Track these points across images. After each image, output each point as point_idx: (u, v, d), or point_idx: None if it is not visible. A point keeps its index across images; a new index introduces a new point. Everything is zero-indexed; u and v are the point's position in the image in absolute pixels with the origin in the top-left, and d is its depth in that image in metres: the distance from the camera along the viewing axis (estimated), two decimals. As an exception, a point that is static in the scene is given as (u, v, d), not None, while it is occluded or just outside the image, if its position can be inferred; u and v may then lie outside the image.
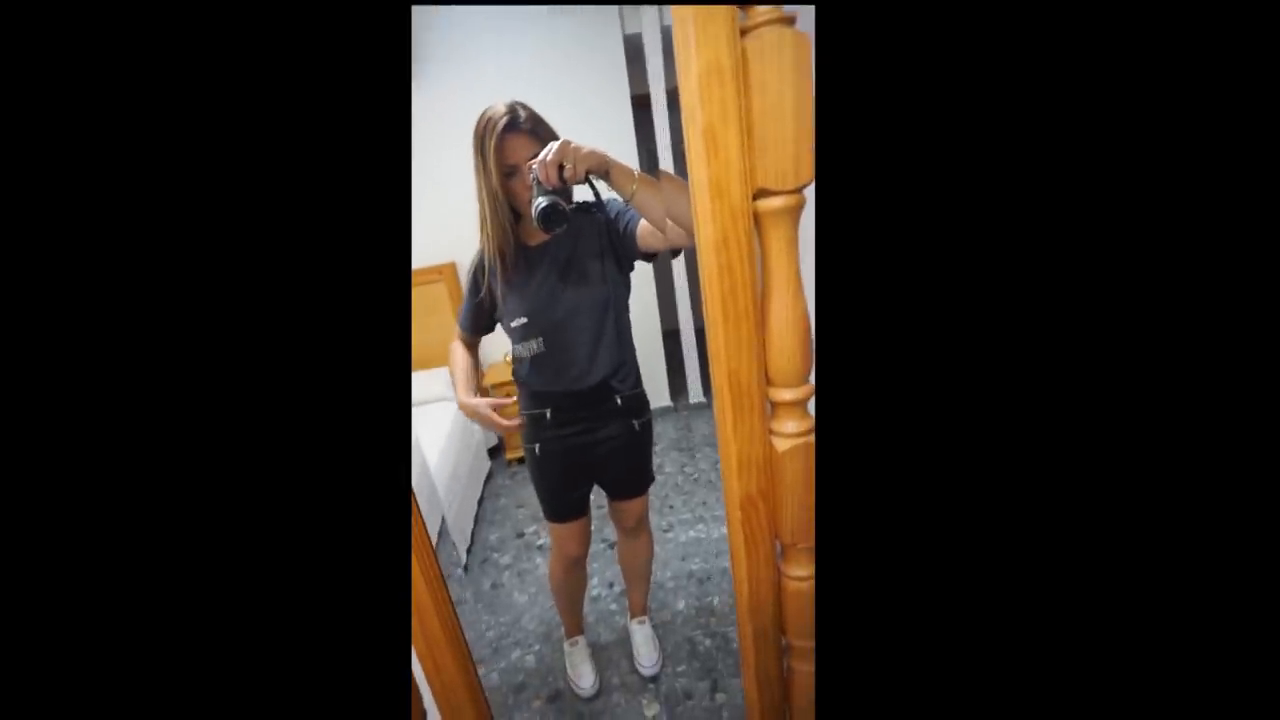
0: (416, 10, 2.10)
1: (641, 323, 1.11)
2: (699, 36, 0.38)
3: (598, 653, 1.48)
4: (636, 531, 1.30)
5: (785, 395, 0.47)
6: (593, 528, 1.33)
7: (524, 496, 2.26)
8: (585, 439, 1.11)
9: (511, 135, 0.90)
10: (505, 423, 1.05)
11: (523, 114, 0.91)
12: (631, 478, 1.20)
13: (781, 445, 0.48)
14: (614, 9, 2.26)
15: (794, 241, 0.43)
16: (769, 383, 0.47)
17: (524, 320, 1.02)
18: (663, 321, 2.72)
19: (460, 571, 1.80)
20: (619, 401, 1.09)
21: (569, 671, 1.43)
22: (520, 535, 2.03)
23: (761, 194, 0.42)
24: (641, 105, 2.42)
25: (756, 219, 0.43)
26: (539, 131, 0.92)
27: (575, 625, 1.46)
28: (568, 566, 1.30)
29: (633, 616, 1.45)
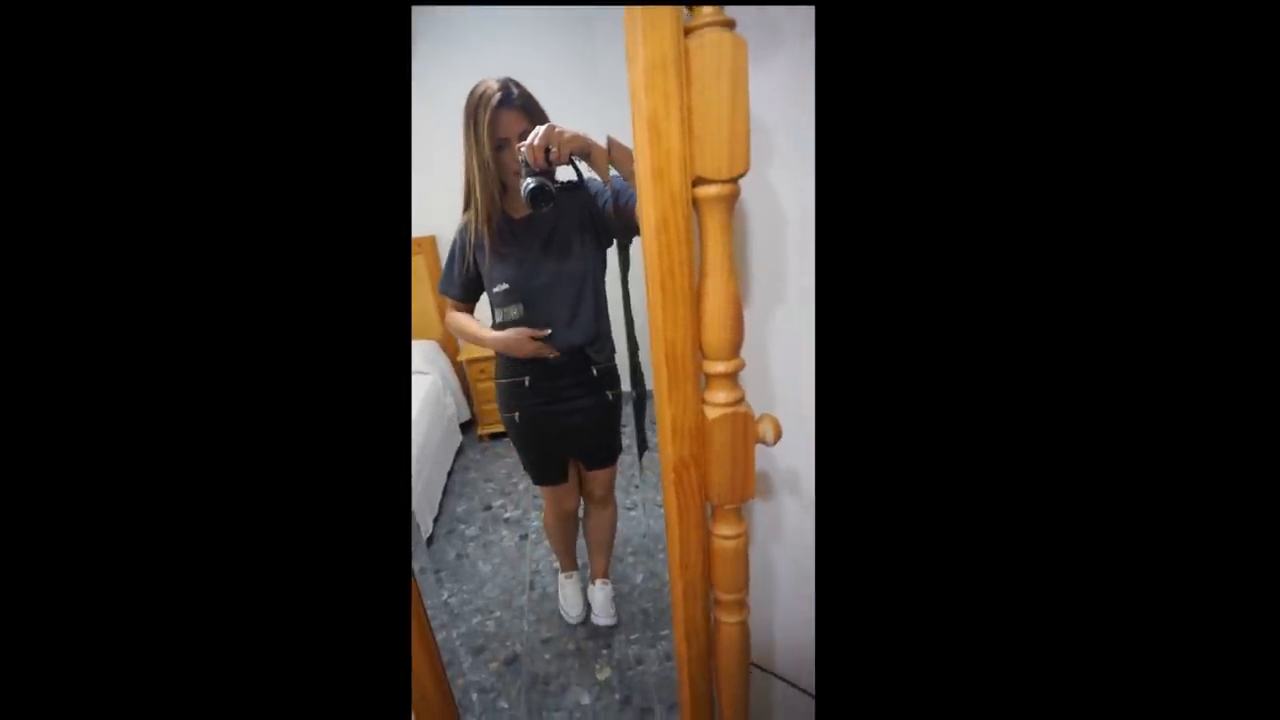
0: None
1: (619, 304, 1.16)
2: (646, 31, 0.41)
3: (554, 619, 1.54)
4: (605, 501, 1.39)
5: (717, 368, 0.51)
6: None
7: (493, 471, 2.29)
8: (563, 407, 1.18)
9: (504, 110, 0.96)
10: (538, 346, 1.08)
11: (515, 91, 0.97)
12: (604, 447, 1.29)
13: (712, 414, 0.52)
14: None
15: (728, 227, 0.47)
16: (703, 356, 0.52)
17: (506, 286, 1.09)
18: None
19: (426, 542, 1.83)
20: (594, 373, 1.16)
21: (560, 601, 1.55)
22: (488, 508, 2.07)
23: (699, 182, 0.45)
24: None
25: (696, 205, 0.47)
26: (529, 108, 0.99)
27: (570, 562, 1.56)
28: (561, 517, 1.42)
29: (594, 579, 1.53)
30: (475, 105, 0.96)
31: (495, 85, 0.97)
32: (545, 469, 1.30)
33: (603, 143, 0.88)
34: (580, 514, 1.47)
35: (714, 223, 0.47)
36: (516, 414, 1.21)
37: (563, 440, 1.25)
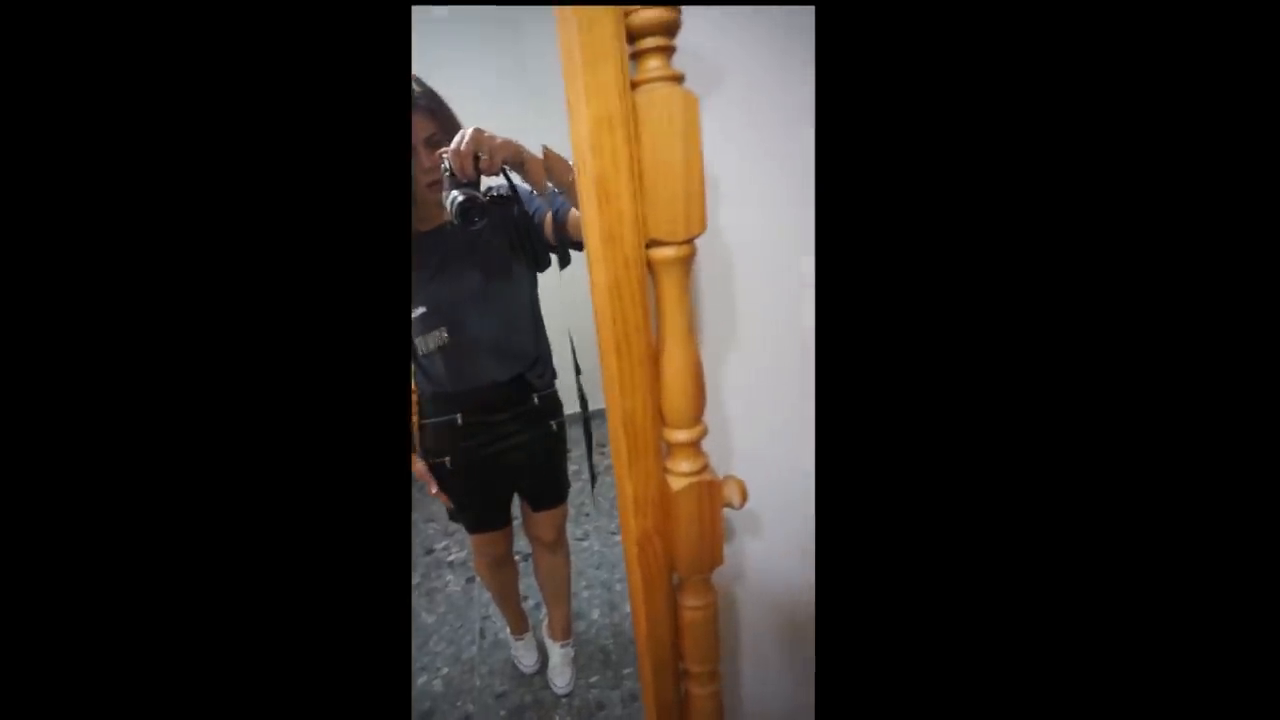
0: None
1: (553, 324, 1.08)
2: (589, 85, 0.38)
3: (507, 668, 1.45)
4: (555, 545, 1.26)
5: (680, 436, 0.48)
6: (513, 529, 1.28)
7: (434, 510, 2.16)
8: (501, 445, 1.05)
9: None
10: (433, 491, 1.08)
11: (419, 89, 0.84)
12: (550, 485, 1.17)
13: (677, 484, 0.48)
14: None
15: (686, 289, 0.44)
16: (664, 423, 0.48)
17: (422, 309, 0.95)
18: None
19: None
20: (536, 401, 1.05)
21: (513, 654, 1.46)
22: (429, 552, 1.94)
23: (654, 244, 0.42)
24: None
25: (650, 267, 0.43)
26: (435, 109, 0.86)
27: (519, 623, 1.43)
28: (492, 565, 1.27)
29: (554, 639, 1.41)
30: None
31: None
32: (480, 517, 1.15)
33: (536, 151, 0.78)
34: (518, 554, 1.37)
35: (671, 285, 0.44)
36: (447, 459, 1.06)
37: (503, 481, 1.12)
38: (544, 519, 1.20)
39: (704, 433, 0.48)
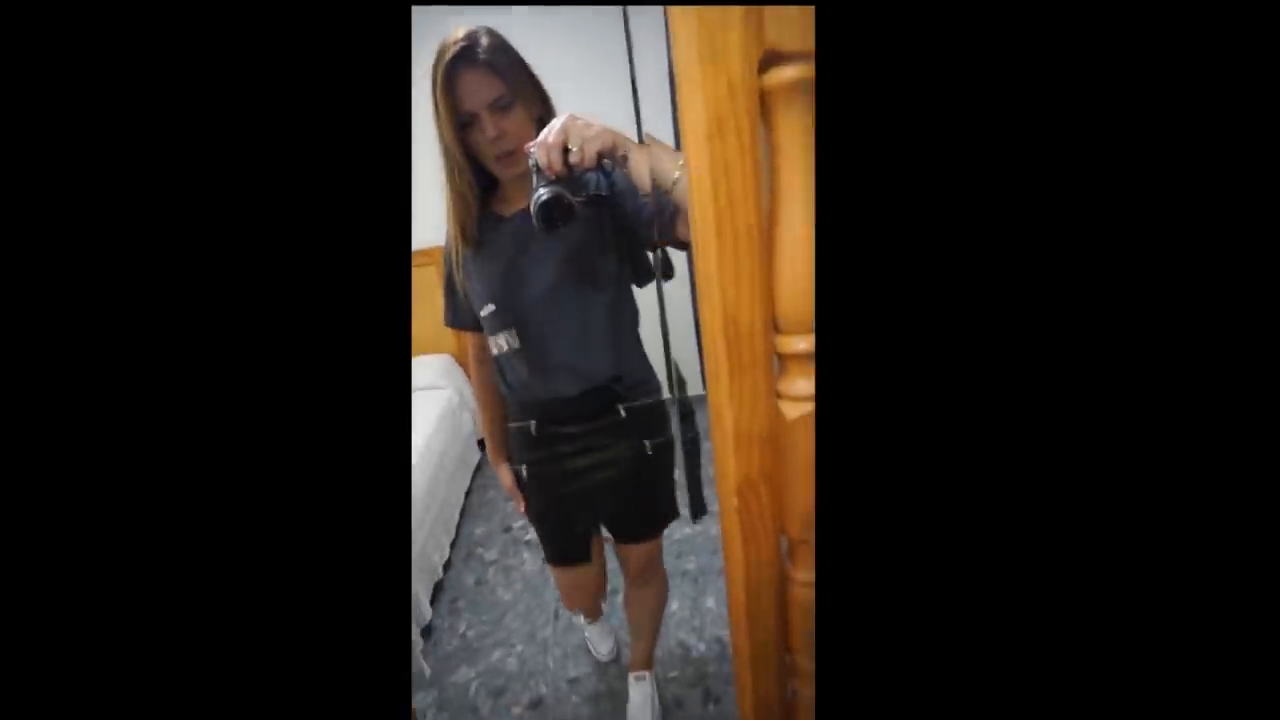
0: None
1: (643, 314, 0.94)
2: None
3: (581, 653, 1.38)
4: (646, 580, 1.07)
5: (799, 345, 0.36)
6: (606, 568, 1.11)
7: (513, 489, 2.16)
8: (580, 462, 0.88)
9: (466, 71, 0.70)
10: (521, 509, 0.99)
11: (484, 42, 0.71)
12: (641, 515, 0.96)
13: (792, 412, 0.37)
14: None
15: (810, 133, 0.32)
16: (776, 330, 0.36)
17: (491, 307, 0.83)
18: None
19: (441, 568, 1.70)
20: (623, 414, 0.86)
21: (588, 639, 1.39)
22: (507, 529, 1.93)
23: (770, 61, 0.30)
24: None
25: (763, 99, 0.32)
26: (500, 66, 0.71)
27: (595, 615, 1.34)
28: (580, 602, 1.15)
29: (633, 669, 1.21)
30: (433, 68, 0.71)
31: (459, 34, 0.71)
32: (559, 543, 0.99)
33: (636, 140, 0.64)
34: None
35: (790, 125, 0.32)
36: (524, 467, 0.93)
37: (583, 504, 0.93)
38: (632, 553, 1.02)
39: (831, 342, 0.36)
